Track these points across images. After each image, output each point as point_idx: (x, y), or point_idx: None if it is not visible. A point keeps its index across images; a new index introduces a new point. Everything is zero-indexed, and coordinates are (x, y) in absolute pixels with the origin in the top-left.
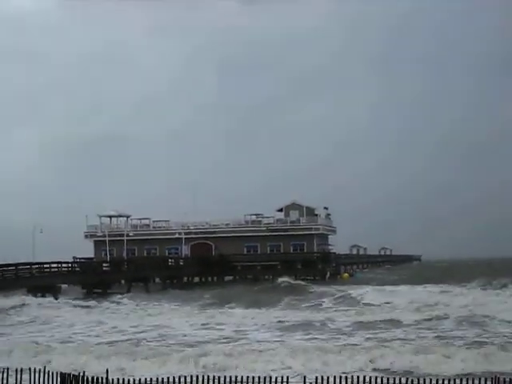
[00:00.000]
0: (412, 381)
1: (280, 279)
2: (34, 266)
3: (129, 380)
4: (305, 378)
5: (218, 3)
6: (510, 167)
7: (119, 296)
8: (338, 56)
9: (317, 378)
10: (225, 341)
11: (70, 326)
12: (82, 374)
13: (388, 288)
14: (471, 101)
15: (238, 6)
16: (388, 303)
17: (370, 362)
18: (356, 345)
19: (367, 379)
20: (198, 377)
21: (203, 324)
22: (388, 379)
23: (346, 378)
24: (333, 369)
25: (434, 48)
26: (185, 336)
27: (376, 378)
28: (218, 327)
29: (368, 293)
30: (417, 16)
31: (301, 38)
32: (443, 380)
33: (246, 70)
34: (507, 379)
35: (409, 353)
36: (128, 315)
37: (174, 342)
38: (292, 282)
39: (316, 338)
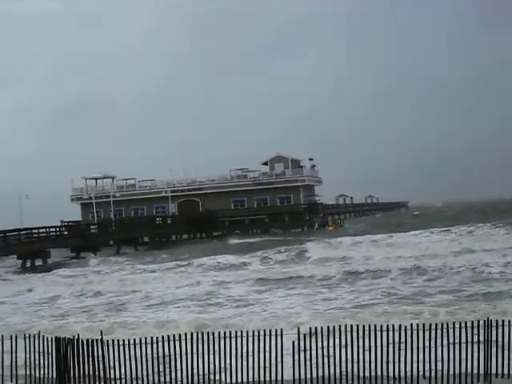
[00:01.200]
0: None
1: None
2: (22, 232)
3: (123, 340)
4: (298, 329)
5: None
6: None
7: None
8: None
9: (310, 328)
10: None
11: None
12: (76, 337)
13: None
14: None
15: None
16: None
17: None
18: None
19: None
20: (192, 334)
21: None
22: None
23: (340, 326)
24: None
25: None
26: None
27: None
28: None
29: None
30: None
31: None
32: (436, 325)
33: (222, 25)
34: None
35: None
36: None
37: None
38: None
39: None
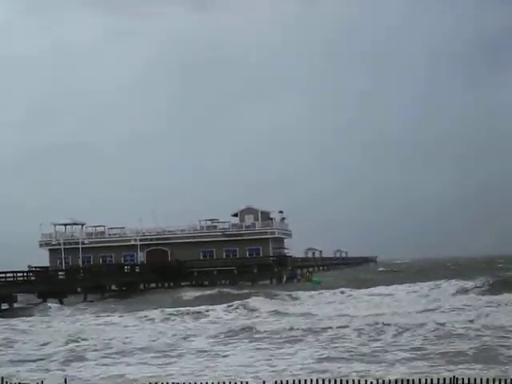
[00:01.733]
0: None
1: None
2: None
3: None
4: (264, 382)
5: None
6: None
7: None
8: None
9: (276, 382)
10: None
11: None
12: (40, 383)
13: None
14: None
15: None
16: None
17: None
18: None
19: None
20: None
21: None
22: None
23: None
24: None
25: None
26: None
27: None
28: None
29: None
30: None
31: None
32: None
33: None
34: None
35: None
36: None
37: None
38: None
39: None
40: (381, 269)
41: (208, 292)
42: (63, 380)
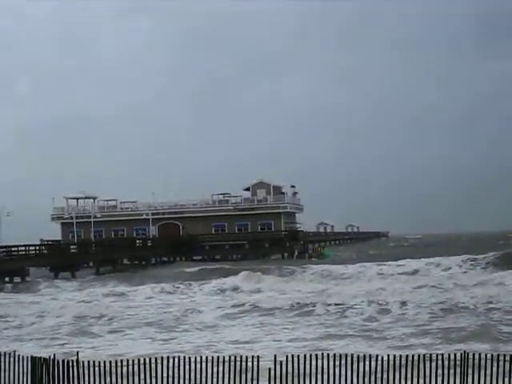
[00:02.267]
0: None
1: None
2: (0, 250)
3: (99, 362)
4: (275, 356)
5: None
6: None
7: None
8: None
9: (287, 356)
10: None
11: None
12: (52, 357)
13: None
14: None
15: None
16: None
17: None
18: None
19: (337, 355)
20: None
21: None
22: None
23: (316, 355)
24: None
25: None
26: None
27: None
28: None
29: None
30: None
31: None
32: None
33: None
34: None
35: None
36: None
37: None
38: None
39: None
40: (392, 244)
41: (210, 267)
42: (75, 353)
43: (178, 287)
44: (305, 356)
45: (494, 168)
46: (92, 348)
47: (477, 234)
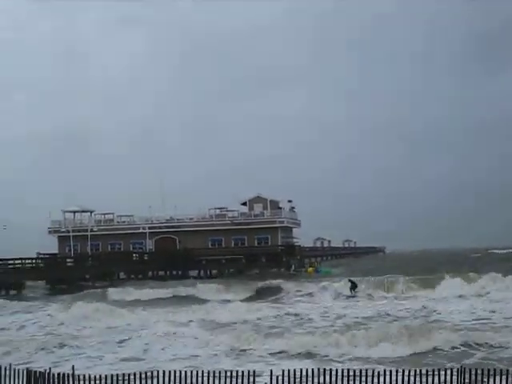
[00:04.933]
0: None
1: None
2: None
3: (95, 376)
4: (271, 371)
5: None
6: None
7: None
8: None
9: (283, 371)
10: None
11: None
12: (48, 370)
13: None
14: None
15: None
16: None
17: None
18: None
19: (333, 371)
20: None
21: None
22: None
23: (313, 370)
24: None
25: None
26: None
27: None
28: None
29: None
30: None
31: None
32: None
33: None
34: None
35: None
36: None
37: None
38: None
39: None
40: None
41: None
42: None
43: None
44: (301, 370)
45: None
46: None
47: (466, 250)
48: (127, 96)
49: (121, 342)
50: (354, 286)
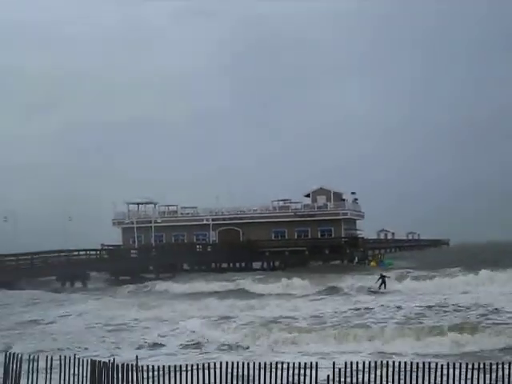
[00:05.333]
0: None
1: None
2: (62, 254)
3: (158, 366)
4: (334, 363)
5: None
6: None
7: None
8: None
9: (346, 363)
10: None
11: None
12: (111, 361)
13: None
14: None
15: None
16: None
17: None
18: None
19: (396, 364)
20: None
21: None
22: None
23: (376, 362)
24: None
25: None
26: None
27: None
28: None
29: None
30: None
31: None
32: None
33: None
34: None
35: None
36: None
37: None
38: None
39: None
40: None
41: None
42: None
43: None
44: (363, 363)
45: None
46: None
47: None
48: (188, 88)
49: None
50: (383, 282)
